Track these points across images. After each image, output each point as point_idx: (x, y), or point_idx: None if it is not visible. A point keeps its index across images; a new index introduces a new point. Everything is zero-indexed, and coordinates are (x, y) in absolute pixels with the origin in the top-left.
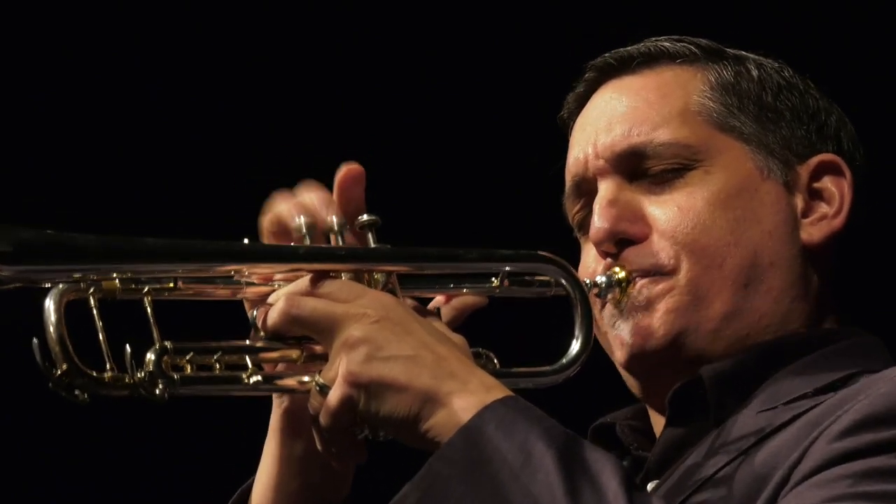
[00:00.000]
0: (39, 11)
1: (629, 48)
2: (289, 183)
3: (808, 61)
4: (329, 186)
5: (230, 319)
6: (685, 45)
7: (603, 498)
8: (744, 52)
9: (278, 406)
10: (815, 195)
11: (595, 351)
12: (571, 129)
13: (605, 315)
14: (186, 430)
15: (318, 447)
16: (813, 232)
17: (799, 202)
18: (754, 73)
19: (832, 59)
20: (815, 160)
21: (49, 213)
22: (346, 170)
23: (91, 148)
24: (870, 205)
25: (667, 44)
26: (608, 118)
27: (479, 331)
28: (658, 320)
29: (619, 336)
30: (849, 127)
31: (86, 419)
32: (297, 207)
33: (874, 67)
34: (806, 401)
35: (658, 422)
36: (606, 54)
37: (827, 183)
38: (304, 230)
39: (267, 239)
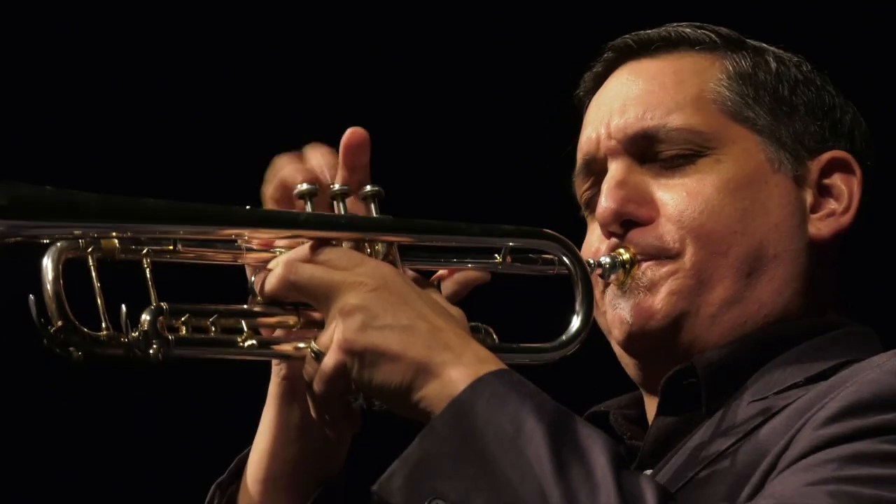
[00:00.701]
0: None
1: (649, 31)
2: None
3: (827, 59)
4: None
5: (229, 284)
6: (706, 32)
7: (591, 474)
8: (764, 45)
9: (277, 374)
10: (824, 191)
11: (592, 338)
12: (587, 107)
13: (606, 296)
14: (183, 398)
15: (312, 413)
16: (821, 227)
17: (808, 197)
18: (773, 65)
19: (851, 58)
20: (826, 156)
21: (51, 170)
22: (350, 133)
23: (96, 108)
24: (878, 204)
25: (687, 30)
26: (623, 100)
27: (481, 306)
28: (660, 301)
29: (618, 315)
30: (863, 126)
31: (81, 384)
32: (301, 171)
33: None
34: (797, 390)
35: (653, 408)
36: (626, 35)
37: (836, 180)
38: (306, 194)
39: (270, 204)
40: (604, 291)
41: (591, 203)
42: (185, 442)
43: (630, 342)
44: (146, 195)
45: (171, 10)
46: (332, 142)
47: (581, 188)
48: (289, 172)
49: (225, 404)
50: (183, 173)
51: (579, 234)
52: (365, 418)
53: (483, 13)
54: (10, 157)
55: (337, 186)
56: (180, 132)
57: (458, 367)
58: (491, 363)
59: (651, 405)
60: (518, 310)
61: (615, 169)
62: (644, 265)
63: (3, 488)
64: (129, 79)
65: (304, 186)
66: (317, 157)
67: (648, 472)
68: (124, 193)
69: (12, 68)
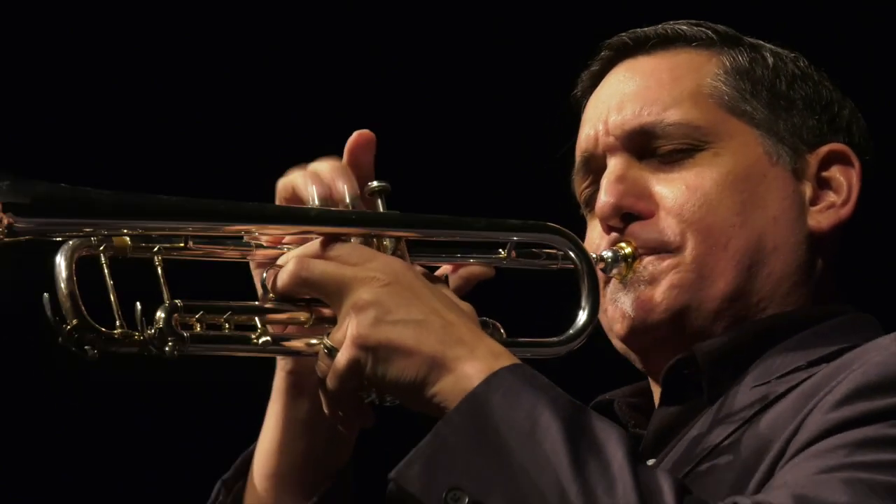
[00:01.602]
0: None
1: (646, 29)
2: (299, 149)
3: (823, 54)
4: (340, 152)
5: (239, 281)
6: (702, 29)
7: (608, 468)
8: (761, 41)
9: (282, 368)
10: (823, 184)
11: (599, 329)
12: (584, 106)
13: (607, 292)
14: (183, 397)
15: (325, 410)
16: (820, 220)
17: (807, 190)
18: (769, 60)
19: (847, 52)
20: (824, 149)
21: (62, 169)
22: (356, 136)
23: (96, 108)
24: (878, 196)
25: (684, 27)
26: (620, 97)
27: (486, 301)
28: (661, 294)
29: (620, 309)
30: (861, 120)
31: (89, 381)
32: (311, 177)
33: (888, 62)
34: (800, 373)
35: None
36: (623, 34)
37: (835, 172)
38: (315, 200)
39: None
40: (605, 287)
41: (591, 201)
42: (185, 442)
43: (633, 336)
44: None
45: (170, 11)
46: (336, 139)
47: (580, 186)
48: (298, 178)
49: (225, 405)
50: (182, 174)
51: (579, 233)
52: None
53: (486, 11)
54: (10, 157)
55: (346, 189)
56: (180, 132)
57: (473, 361)
58: (505, 358)
59: (658, 394)
60: (523, 304)
61: (614, 164)
62: (645, 259)
63: (3, 488)
64: (129, 79)
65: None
66: (325, 164)
67: (652, 460)
68: (133, 187)
69: (13, 68)
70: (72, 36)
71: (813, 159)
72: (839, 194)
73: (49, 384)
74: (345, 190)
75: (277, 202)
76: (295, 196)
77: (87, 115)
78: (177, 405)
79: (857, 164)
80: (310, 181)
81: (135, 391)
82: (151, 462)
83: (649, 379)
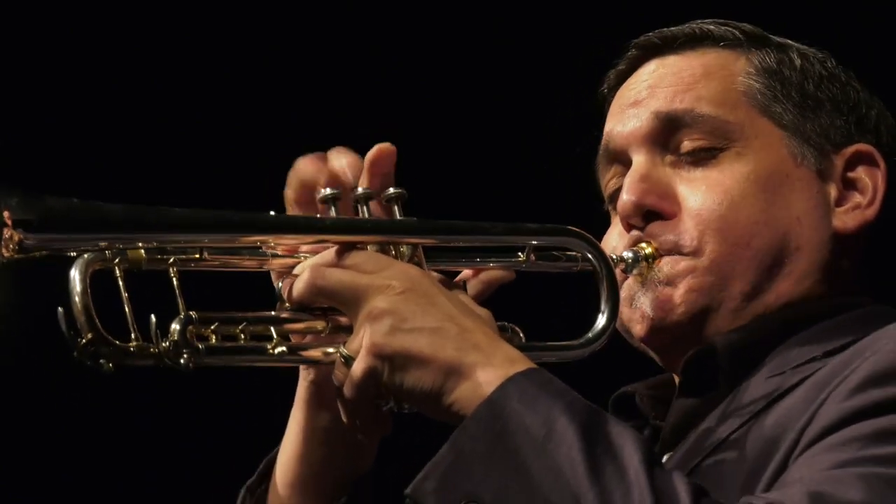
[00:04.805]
0: None
1: (673, 28)
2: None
3: (851, 54)
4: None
5: (255, 291)
6: (729, 28)
7: (624, 473)
8: (788, 41)
9: (304, 378)
10: (848, 185)
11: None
12: (609, 104)
13: (624, 292)
14: (182, 398)
15: (343, 419)
16: (846, 220)
17: (832, 191)
18: (797, 61)
19: (875, 52)
20: (850, 150)
21: (75, 182)
22: (377, 149)
23: (118, 119)
24: None
25: (711, 27)
26: (652, 84)
27: (505, 305)
28: (680, 296)
29: (639, 309)
30: (889, 121)
31: (109, 390)
32: (323, 172)
33: None
34: (815, 363)
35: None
36: (650, 33)
37: (861, 173)
38: (330, 198)
39: (292, 206)
40: (621, 286)
41: (615, 197)
42: (185, 442)
43: (653, 335)
44: (170, 203)
45: (171, 10)
46: (352, 144)
47: (604, 178)
48: (311, 174)
49: (223, 404)
50: (182, 175)
51: (599, 229)
52: (394, 419)
53: (495, 12)
54: (11, 158)
55: (360, 190)
56: (180, 132)
57: (489, 368)
58: (521, 363)
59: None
60: (542, 307)
61: (638, 162)
62: (664, 259)
63: (3, 488)
64: (129, 79)
65: (328, 191)
66: (339, 159)
67: (670, 454)
68: (126, 197)
69: (13, 69)
70: (78, 40)
71: (839, 160)
72: (864, 195)
73: (48, 382)
74: (359, 189)
75: (289, 199)
76: (307, 193)
77: (94, 119)
78: (175, 403)
79: (882, 164)
80: (322, 178)
81: (134, 389)
82: (151, 461)
83: (672, 374)
